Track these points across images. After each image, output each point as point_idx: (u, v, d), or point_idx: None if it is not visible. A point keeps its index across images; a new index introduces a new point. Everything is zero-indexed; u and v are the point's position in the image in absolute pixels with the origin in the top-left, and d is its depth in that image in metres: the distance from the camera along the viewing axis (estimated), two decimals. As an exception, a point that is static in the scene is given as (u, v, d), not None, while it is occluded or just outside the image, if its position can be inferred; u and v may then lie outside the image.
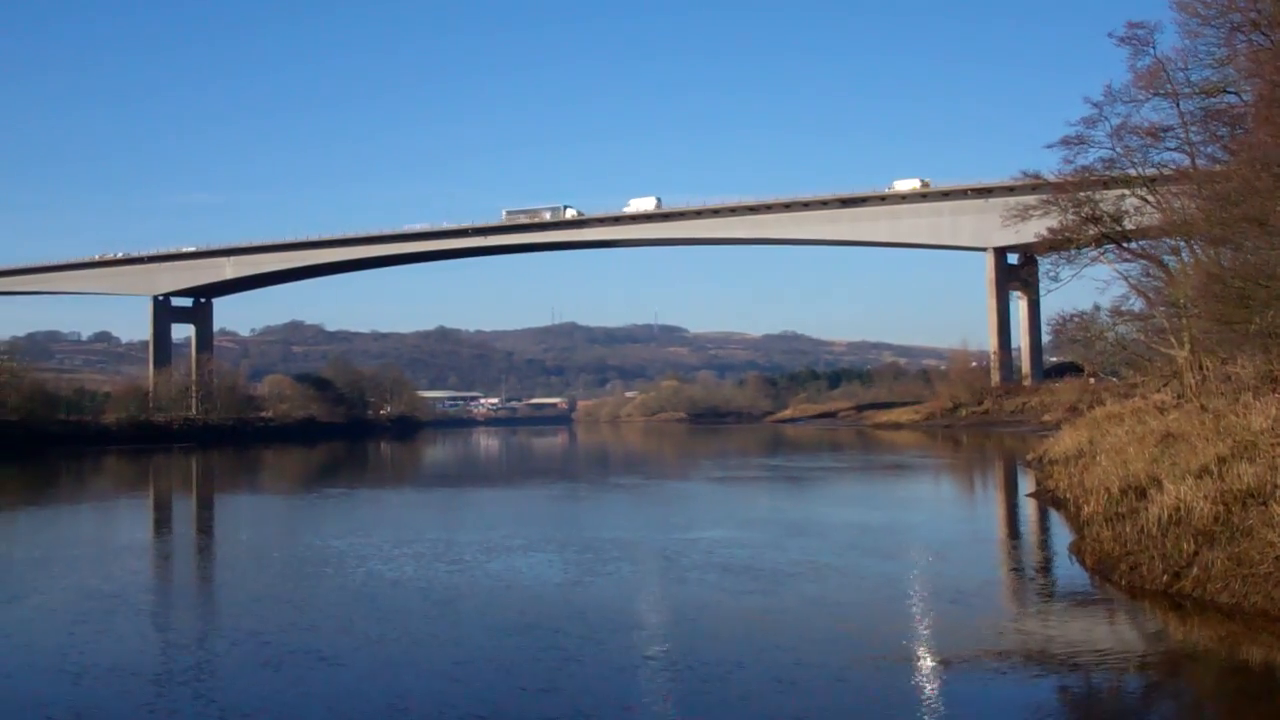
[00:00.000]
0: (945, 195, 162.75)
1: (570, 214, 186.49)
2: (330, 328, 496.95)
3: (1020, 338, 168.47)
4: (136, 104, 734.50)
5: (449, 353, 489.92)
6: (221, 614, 24.97)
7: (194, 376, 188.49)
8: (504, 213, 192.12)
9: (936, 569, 28.89)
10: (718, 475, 74.04)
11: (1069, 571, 27.69)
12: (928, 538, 35.61)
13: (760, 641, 20.35)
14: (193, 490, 73.80)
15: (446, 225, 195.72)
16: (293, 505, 58.62)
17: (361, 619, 22.87)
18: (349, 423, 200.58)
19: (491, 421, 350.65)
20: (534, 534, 37.50)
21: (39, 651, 20.72)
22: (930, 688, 17.23)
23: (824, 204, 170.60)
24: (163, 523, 50.14)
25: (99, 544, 39.50)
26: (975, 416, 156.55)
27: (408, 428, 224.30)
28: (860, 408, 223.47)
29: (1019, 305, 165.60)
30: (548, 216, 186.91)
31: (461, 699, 16.84)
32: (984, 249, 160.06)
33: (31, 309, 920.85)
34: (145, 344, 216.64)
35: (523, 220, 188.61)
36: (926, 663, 18.73)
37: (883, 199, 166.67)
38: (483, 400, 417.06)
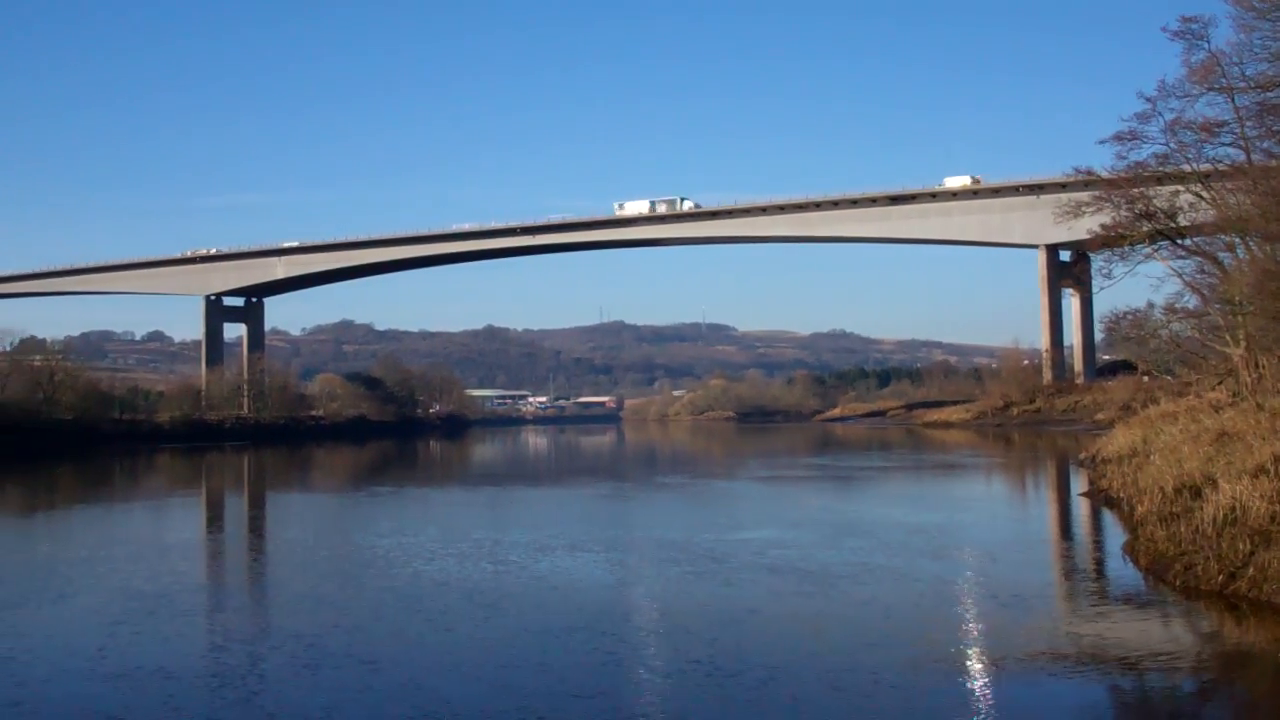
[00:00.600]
0: (996, 192, 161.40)
1: (688, 206, 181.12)
2: (380, 327, 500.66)
3: (1073, 335, 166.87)
4: (189, 106, 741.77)
5: (497, 351, 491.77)
6: (263, 615, 24.93)
7: (246, 375, 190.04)
8: (616, 206, 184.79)
9: (989, 570, 28.57)
10: (766, 474, 73.79)
11: (1122, 572, 27.34)
12: (980, 538, 35.29)
13: (810, 644, 20.15)
14: (244, 488, 74.27)
15: (495, 224, 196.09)
16: (342, 504, 58.84)
17: (404, 620, 22.81)
18: (399, 421, 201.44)
19: (540, 420, 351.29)
20: (580, 534, 37.33)
21: (78, 653, 20.59)
22: (984, 690, 16.96)
23: (873, 201, 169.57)
24: (212, 521, 50.45)
25: (147, 543, 39.65)
26: (1027, 415, 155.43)
27: (457, 426, 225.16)
28: (910, 406, 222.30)
29: (1071, 303, 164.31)
30: (663, 209, 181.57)
31: (502, 703, 16.65)
32: (1036, 246, 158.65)
33: (86, 309, 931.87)
34: (198, 343, 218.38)
35: (659, 211, 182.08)
36: (980, 665, 18.46)
37: (933, 196, 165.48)
38: (531, 399, 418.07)
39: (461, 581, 27.49)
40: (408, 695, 17.15)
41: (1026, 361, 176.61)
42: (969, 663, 18.71)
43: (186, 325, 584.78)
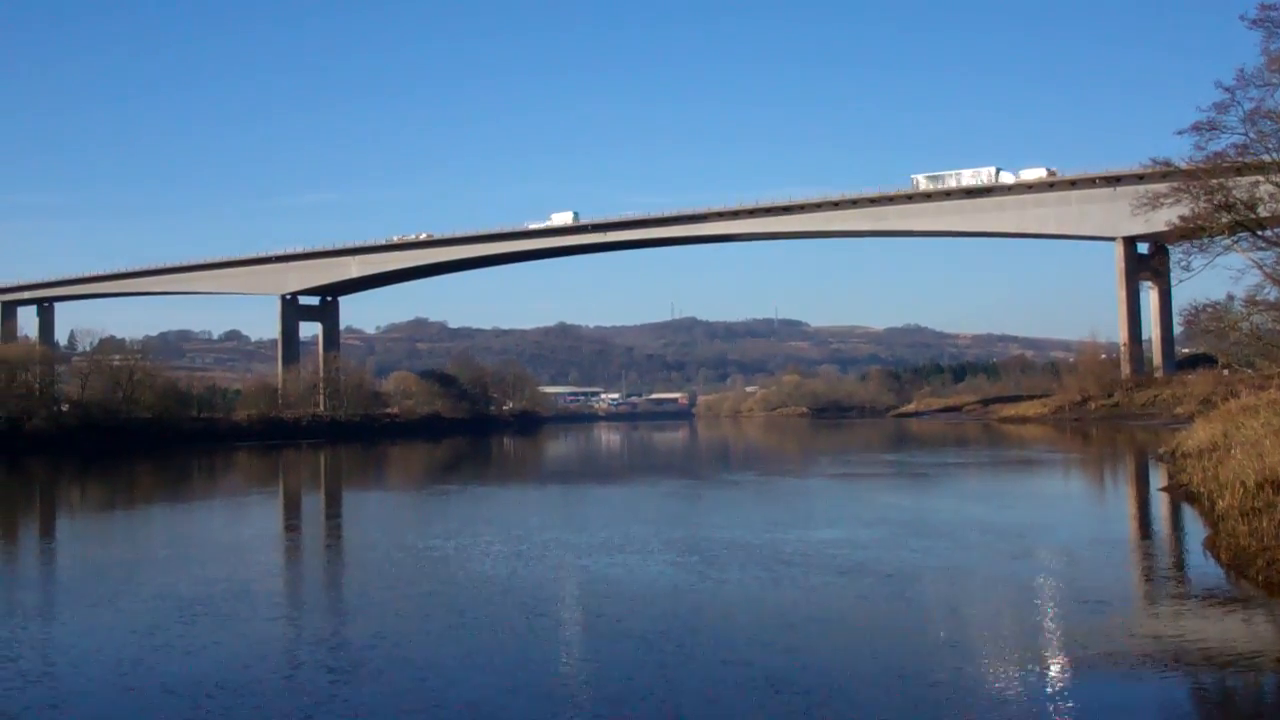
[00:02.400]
0: (1073, 184, 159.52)
1: (986, 174, 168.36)
2: (453, 324, 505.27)
3: (1151, 329, 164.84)
4: (265, 106, 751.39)
5: (570, 348, 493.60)
6: (313, 620, 24.36)
7: (322, 374, 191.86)
8: (915, 178, 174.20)
9: (1068, 569, 28.16)
10: (839, 471, 73.38)
11: (1204, 568, 26.91)
12: (1058, 536, 34.85)
13: (882, 648, 19.83)
14: (320, 486, 74.96)
15: (566, 222, 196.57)
16: (413, 502, 59.12)
17: (458, 625, 22.48)
18: (472, 418, 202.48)
19: (612, 417, 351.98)
20: (645, 534, 36.80)
21: (99, 663, 20.31)
22: (1065, 692, 16.62)
23: (948, 194, 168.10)
24: (282, 521, 50.89)
25: (214, 544, 39.95)
26: (1105, 410, 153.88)
27: (530, 423, 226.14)
28: (986, 401, 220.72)
29: (1149, 295, 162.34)
30: (965, 179, 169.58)
31: (550, 709, 16.44)
32: (1113, 238, 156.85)
33: (165, 309, 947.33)
34: (274, 342, 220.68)
35: (932, 188, 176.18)
36: (1060, 667, 18.13)
37: (1008, 189, 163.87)
38: (603, 395, 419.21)
39: (525, 585, 27.15)
40: (451, 701, 16.91)
41: (1104, 355, 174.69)
42: (1049, 664, 18.38)
43: (263, 324, 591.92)
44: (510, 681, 17.92)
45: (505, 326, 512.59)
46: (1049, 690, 16.77)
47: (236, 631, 22.28)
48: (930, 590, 25.35)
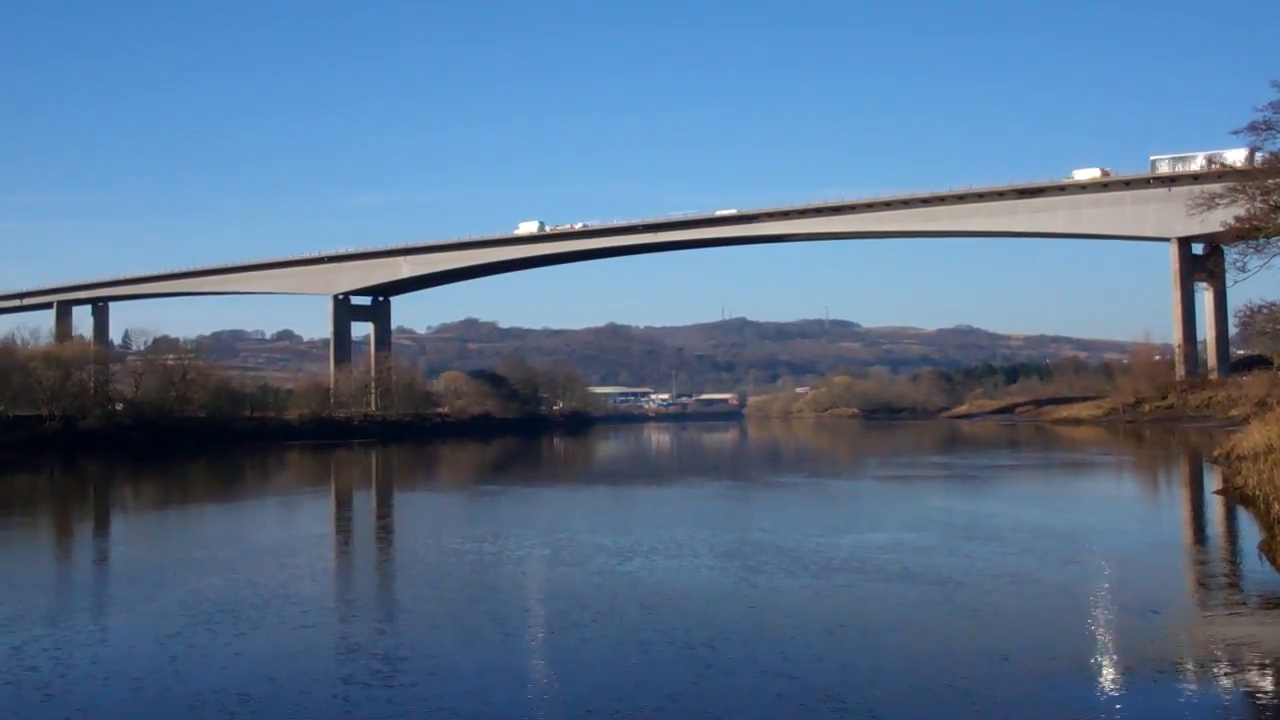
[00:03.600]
0: (1127, 184, 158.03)
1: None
2: (504, 325, 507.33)
3: (1206, 330, 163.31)
4: (316, 109, 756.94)
5: (620, 349, 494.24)
6: (349, 627, 23.65)
7: (373, 373, 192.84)
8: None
9: (1119, 573, 27.81)
10: (889, 473, 73.00)
11: (1259, 572, 26.56)
12: (1110, 540, 34.43)
13: (931, 656, 19.59)
14: (371, 486, 75.26)
15: (616, 222, 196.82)
16: (462, 503, 59.13)
17: (494, 633, 22.12)
18: (523, 418, 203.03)
19: (662, 417, 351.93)
20: (690, 538, 36.35)
21: (119, 671, 20.53)
22: (1116, 701, 16.43)
23: (1000, 195, 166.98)
24: (332, 522, 50.71)
25: (263, 545, 40.00)
26: (1159, 411, 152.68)
27: (580, 423, 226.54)
28: (1039, 403, 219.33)
29: (1204, 297, 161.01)
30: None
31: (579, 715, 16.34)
32: (1167, 239, 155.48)
33: (217, 309, 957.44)
34: (326, 342, 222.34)
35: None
36: (1112, 675, 17.90)
37: (1061, 189, 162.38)
38: (653, 396, 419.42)
39: (566, 591, 26.75)
40: (476, 712, 16.67)
41: (1158, 357, 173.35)
42: (1102, 672, 18.15)
43: (315, 324, 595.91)
44: (545, 694, 17.66)
45: (556, 327, 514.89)
46: (1101, 699, 16.53)
47: (268, 639, 21.97)
48: (980, 597, 24.93)
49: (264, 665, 19.58)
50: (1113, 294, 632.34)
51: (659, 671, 18.56)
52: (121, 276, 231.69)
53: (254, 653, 20.57)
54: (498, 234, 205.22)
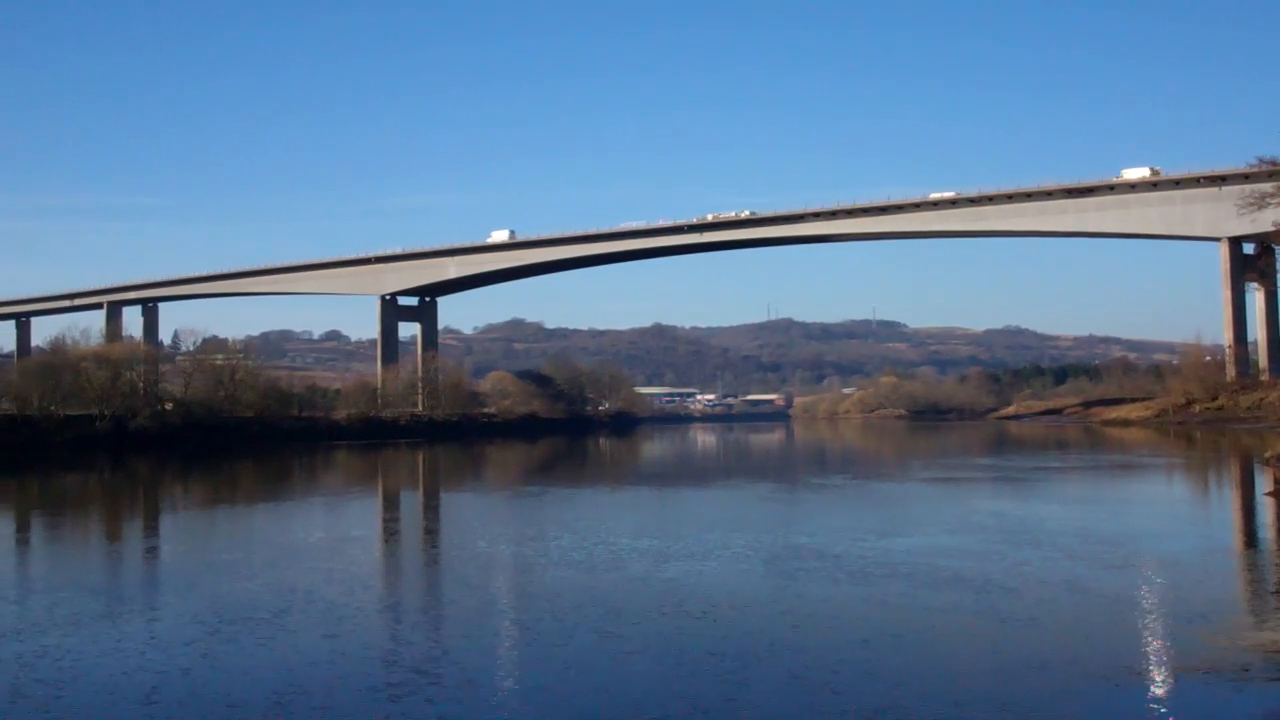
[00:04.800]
0: (1177, 184, 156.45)
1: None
2: (549, 325, 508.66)
3: (1257, 330, 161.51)
4: (364, 111, 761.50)
5: (665, 349, 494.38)
6: (380, 632, 23.34)
7: (420, 373, 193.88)
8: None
9: (1167, 578, 27.47)
10: (936, 475, 72.54)
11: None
12: (1160, 544, 34.12)
13: (964, 669, 19.28)
14: (418, 486, 75.67)
15: (662, 222, 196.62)
16: (507, 504, 59.18)
17: (525, 639, 22.01)
18: (569, 418, 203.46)
19: (708, 418, 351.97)
20: (731, 542, 36.14)
21: (139, 677, 20.68)
22: (1164, 707, 16.23)
23: (1049, 194, 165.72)
24: (380, 524, 51.05)
25: (309, 545, 40.27)
26: (1209, 413, 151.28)
27: (625, 423, 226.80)
28: (1088, 404, 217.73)
29: (1255, 297, 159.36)
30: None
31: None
32: (1218, 239, 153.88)
33: (266, 309, 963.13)
34: (373, 342, 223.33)
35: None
36: (1159, 681, 17.70)
37: (1111, 188, 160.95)
38: (699, 396, 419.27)
39: (601, 596, 26.57)
40: None
41: (1209, 358, 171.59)
42: (1150, 680, 17.92)
43: (362, 324, 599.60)
44: (576, 705, 17.34)
45: (601, 327, 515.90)
46: (1150, 708, 16.33)
47: (292, 644, 21.84)
48: (1024, 603, 24.59)
49: (300, 668, 19.70)
50: (1162, 294, 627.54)
51: (691, 683, 18.18)
52: (171, 277, 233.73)
53: (290, 654, 20.72)
54: (543, 234, 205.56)
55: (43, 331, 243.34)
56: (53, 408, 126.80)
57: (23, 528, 49.10)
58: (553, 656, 20.24)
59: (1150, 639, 21.03)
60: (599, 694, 17.77)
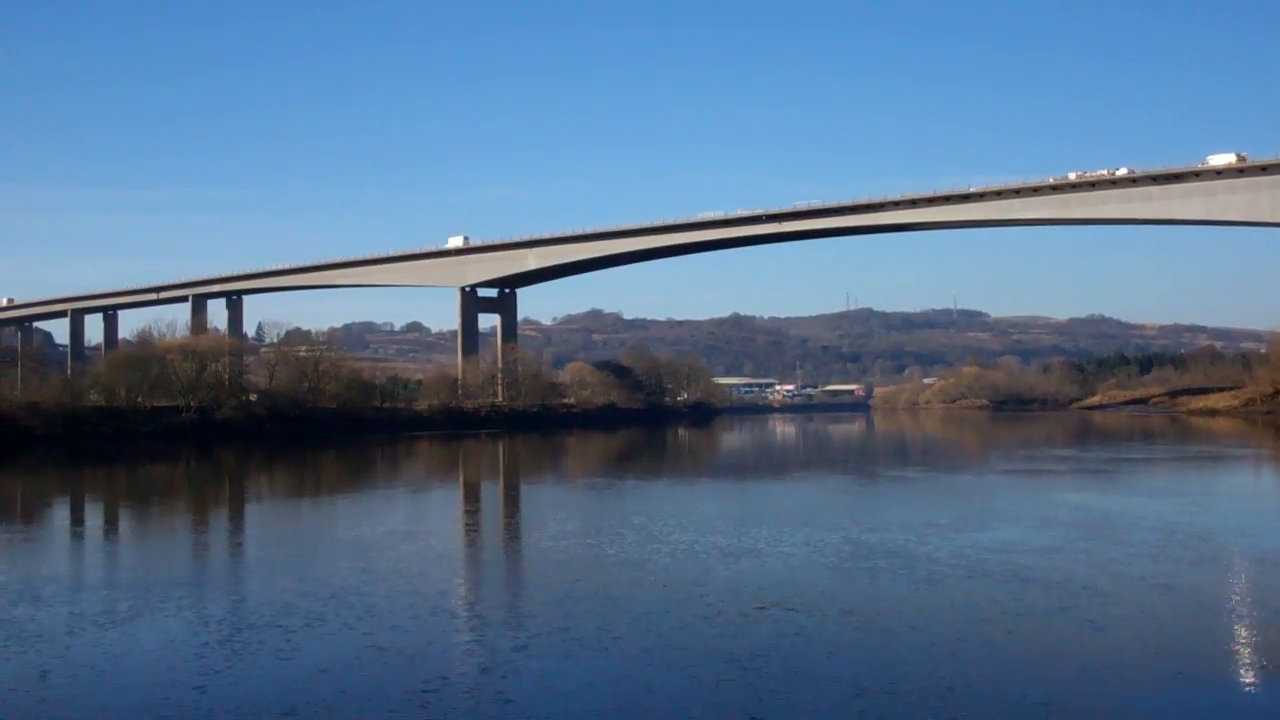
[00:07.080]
0: (1264, 170, 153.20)
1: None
2: (628, 316, 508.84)
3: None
4: (443, 106, 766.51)
5: (743, 339, 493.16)
6: (437, 630, 22.64)
7: (500, 364, 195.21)
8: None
9: (1252, 576, 27.00)
10: (1016, 467, 71.78)
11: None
12: (1247, 540, 33.54)
13: (1033, 673, 18.89)
14: (498, 477, 76.05)
15: (741, 212, 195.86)
16: (585, 495, 59.23)
17: (574, 641, 21.23)
18: (647, 409, 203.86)
19: (787, 409, 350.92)
20: (799, 537, 35.75)
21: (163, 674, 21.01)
22: (1247, 712, 16.01)
23: (1133, 181, 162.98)
24: (460, 517, 51.52)
25: (391, 536, 40.48)
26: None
27: (704, 414, 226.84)
28: (1173, 393, 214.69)
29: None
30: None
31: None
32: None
33: (348, 301, 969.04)
34: (454, 333, 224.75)
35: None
36: (1237, 686, 17.41)
37: (1197, 175, 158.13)
38: (778, 387, 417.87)
39: (659, 592, 26.46)
40: None
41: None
42: (1228, 684, 17.60)
43: (443, 316, 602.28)
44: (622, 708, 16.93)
45: (679, 317, 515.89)
46: (1234, 710, 16.10)
47: (336, 642, 22.04)
48: (1100, 602, 24.02)
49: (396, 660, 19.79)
50: (1250, 282, 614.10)
51: (743, 687, 17.57)
52: (255, 270, 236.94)
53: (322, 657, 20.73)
54: (622, 225, 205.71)
55: (129, 324, 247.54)
56: (140, 399, 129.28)
57: (111, 519, 50.17)
58: (594, 668, 19.24)
59: (1229, 642, 20.51)
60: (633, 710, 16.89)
